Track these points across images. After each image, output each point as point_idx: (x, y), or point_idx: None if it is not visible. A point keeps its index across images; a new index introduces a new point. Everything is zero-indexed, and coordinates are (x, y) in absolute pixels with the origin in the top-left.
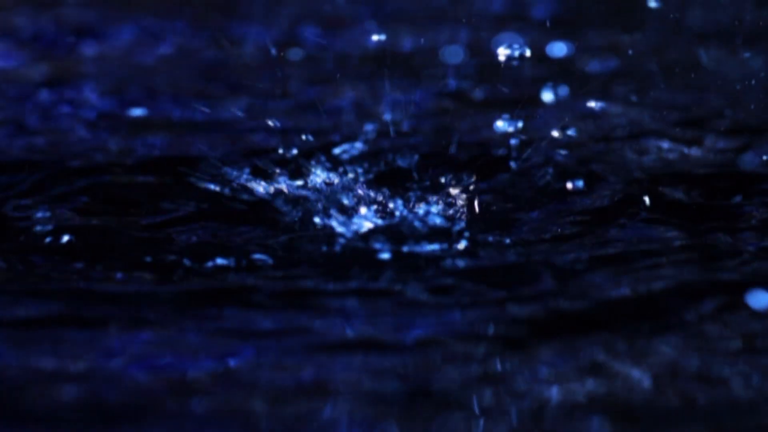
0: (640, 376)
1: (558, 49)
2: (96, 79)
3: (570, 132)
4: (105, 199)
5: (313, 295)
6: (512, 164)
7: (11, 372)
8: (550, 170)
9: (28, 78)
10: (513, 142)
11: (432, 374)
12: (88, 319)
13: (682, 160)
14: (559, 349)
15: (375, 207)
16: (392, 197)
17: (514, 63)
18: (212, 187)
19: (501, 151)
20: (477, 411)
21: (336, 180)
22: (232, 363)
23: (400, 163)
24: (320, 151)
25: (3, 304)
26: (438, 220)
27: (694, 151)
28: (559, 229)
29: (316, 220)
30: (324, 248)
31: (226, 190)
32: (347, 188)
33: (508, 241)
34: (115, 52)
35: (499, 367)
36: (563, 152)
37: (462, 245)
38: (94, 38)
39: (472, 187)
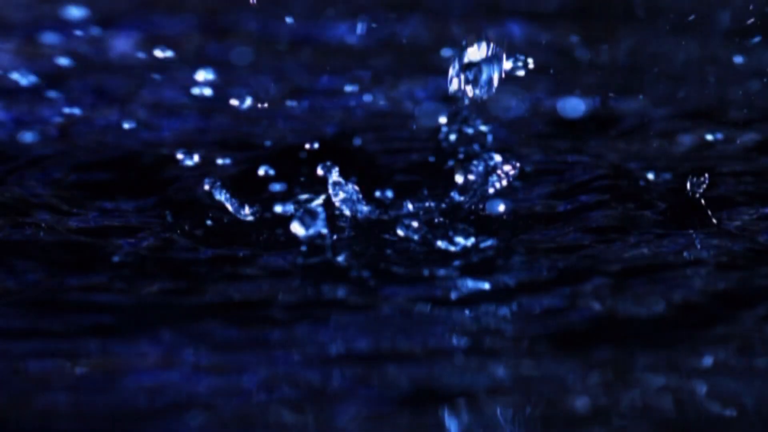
0: (674, 388)
1: (573, 107)
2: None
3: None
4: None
5: (317, 306)
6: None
7: (11, 381)
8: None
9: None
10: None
11: (443, 382)
12: (92, 328)
13: (704, 156)
14: (583, 358)
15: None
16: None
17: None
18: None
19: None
20: (488, 419)
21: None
22: (235, 375)
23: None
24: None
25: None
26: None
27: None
28: (584, 237)
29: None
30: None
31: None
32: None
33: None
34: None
35: (512, 375)
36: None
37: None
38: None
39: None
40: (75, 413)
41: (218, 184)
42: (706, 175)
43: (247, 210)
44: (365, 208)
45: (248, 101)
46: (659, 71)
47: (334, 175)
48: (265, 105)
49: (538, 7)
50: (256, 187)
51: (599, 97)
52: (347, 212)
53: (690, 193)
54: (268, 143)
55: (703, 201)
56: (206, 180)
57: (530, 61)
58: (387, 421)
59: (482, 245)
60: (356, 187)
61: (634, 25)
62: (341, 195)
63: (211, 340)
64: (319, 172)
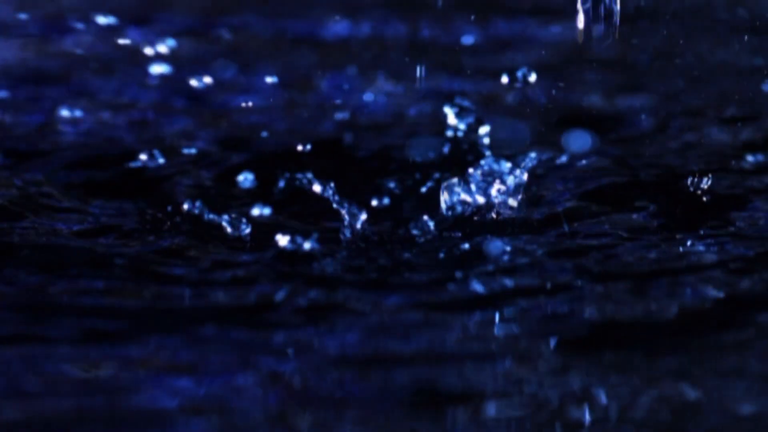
0: (682, 394)
1: (579, 141)
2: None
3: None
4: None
5: (317, 309)
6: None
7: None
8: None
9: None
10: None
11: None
12: (89, 332)
13: (715, 154)
14: (588, 363)
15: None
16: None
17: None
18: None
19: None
20: (489, 423)
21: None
22: (235, 379)
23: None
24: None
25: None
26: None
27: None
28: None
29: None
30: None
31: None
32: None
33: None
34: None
35: (514, 379)
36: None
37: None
38: None
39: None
40: (76, 418)
41: (199, 202)
42: (710, 175)
43: (231, 220)
44: (364, 226)
45: (242, 100)
46: (664, 69)
47: (333, 194)
48: (261, 105)
49: (541, 3)
50: (251, 190)
51: (603, 95)
52: (348, 232)
53: (700, 193)
54: (263, 144)
55: (709, 201)
56: (188, 200)
57: (533, 77)
58: (388, 424)
59: (486, 247)
60: (358, 212)
61: (636, 22)
62: (342, 212)
63: (212, 343)
64: (317, 189)
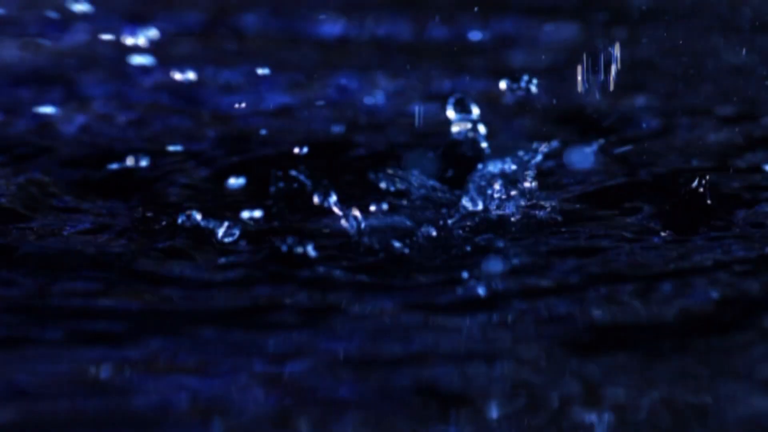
0: (686, 397)
1: (581, 158)
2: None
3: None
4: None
5: (317, 312)
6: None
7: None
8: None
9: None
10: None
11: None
12: (95, 334)
13: (720, 154)
14: (591, 365)
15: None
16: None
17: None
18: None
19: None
20: (490, 425)
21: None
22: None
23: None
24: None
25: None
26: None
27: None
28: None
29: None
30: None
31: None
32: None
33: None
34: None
35: (516, 380)
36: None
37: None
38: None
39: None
40: (76, 419)
41: (195, 212)
42: (707, 177)
43: (226, 228)
44: (363, 228)
45: (238, 101)
46: (665, 68)
47: (333, 203)
48: (260, 104)
49: (540, 2)
50: (249, 191)
51: (606, 94)
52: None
53: (702, 192)
54: (262, 144)
55: (713, 202)
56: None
57: (534, 85)
58: (389, 424)
59: (487, 248)
60: (357, 213)
61: (636, 20)
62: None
63: (211, 345)
64: (316, 189)
